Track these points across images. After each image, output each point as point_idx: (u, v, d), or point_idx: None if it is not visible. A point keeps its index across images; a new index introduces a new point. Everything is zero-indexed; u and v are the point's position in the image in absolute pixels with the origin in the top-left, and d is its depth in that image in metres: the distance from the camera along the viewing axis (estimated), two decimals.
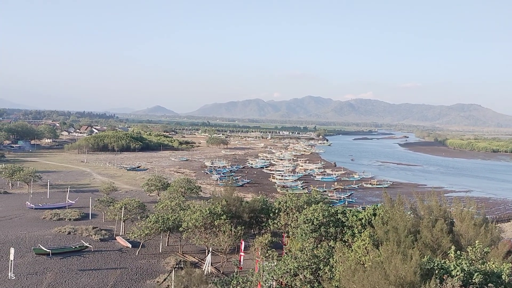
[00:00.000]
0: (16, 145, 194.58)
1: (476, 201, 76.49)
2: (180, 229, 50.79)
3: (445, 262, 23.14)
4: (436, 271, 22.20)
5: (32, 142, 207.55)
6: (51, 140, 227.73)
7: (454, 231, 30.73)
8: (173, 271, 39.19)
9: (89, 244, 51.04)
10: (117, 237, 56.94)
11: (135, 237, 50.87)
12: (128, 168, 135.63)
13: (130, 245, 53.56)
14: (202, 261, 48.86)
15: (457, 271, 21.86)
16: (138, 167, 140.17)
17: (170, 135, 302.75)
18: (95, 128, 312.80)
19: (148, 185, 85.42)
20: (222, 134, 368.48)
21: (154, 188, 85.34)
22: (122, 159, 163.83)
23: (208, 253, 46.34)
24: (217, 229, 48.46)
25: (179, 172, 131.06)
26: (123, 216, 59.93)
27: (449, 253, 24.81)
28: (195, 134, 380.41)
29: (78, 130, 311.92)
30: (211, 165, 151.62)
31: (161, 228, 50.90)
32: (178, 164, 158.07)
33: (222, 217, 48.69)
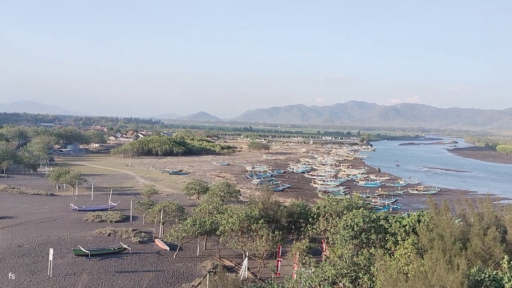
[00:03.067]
0: (65, 149, 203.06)
1: None
2: (217, 232, 50.29)
3: (497, 273, 20.93)
4: (488, 283, 20.09)
5: (81, 146, 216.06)
6: (98, 144, 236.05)
7: (508, 240, 28.12)
8: (208, 275, 38.57)
9: (128, 246, 51.45)
10: (155, 240, 57.19)
11: (172, 239, 50.86)
12: (170, 172, 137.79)
13: (168, 248, 53.57)
14: (239, 265, 48.01)
15: (511, 284, 19.68)
16: (180, 171, 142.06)
17: (212, 140, 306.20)
18: (140, 133, 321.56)
19: (188, 189, 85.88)
20: (264, 139, 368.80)
21: (193, 191, 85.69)
22: (165, 163, 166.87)
23: (244, 258, 45.45)
24: (254, 234, 47.49)
25: (220, 176, 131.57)
26: (162, 219, 60.29)
27: (501, 263, 22.53)
28: (237, 139, 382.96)
29: (124, 135, 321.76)
30: (252, 170, 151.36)
31: (198, 231, 50.57)
32: (219, 168, 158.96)
33: (259, 221, 47.74)
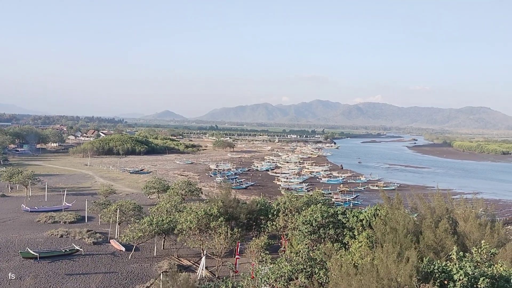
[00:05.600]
0: (21, 149, 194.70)
1: (486, 202, 73.76)
2: (175, 231, 49.06)
3: (446, 264, 20.91)
4: (437, 275, 19.99)
5: (38, 146, 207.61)
6: (57, 144, 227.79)
7: (458, 232, 28.46)
8: (161, 275, 37.31)
9: (81, 248, 49.38)
10: (111, 241, 55.28)
11: (128, 240, 49.21)
12: (131, 171, 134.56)
13: (123, 249, 51.86)
14: (197, 264, 46.94)
15: (460, 275, 19.64)
16: (141, 170, 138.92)
17: (176, 139, 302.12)
18: (102, 132, 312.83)
19: (148, 188, 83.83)
20: (230, 138, 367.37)
21: (153, 190, 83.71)
22: (126, 162, 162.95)
23: (202, 257, 44.42)
24: (213, 231, 46.59)
25: (183, 175, 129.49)
26: (118, 219, 58.38)
27: (450, 255, 22.61)
28: (202, 138, 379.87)
29: (85, 134, 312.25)
30: (216, 168, 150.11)
31: (155, 230, 49.17)
32: (182, 167, 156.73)
33: (218, 219, 46.85)
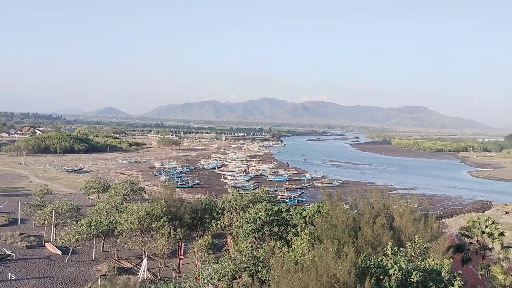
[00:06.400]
0: None
1: (421, 197, 77.55)
2: (115, 233, 47.27)
3: (382, 260, 21.51)
4: (373, 270, 20.51)
5: None
6: None
7: (394, 227, 29.53)
8: (99, 279, 35.77)
9: (12, 252, 46.33)
10: (46, 244, 52.43)
11: (64, 243, 46.79)
12: (69, 170, 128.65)
13: (60, 252, 49.34)
14: (138, 266, 45.54)
15: (395, 269, 20.28)
16: (80, 169, 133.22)
17: (119, 137, 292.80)
18: (38, 130, 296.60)
19: (87, 188, 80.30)
20: (176, 136, 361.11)
21: (93, 190, 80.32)
22: (64, 161, 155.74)
23: (144, 258, 43.12)
24: (155, 232, 45.36)
25: (125, 174, 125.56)
26: (54, 221, 55.54)
27: (386, 250, 23.34)
28: (146, 136, 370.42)
29: (19, 132, 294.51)
30: (161, 166, 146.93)
31: (94, 232, 47.11)
32: (125, 165, 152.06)
33: (160, 219, 45.64)
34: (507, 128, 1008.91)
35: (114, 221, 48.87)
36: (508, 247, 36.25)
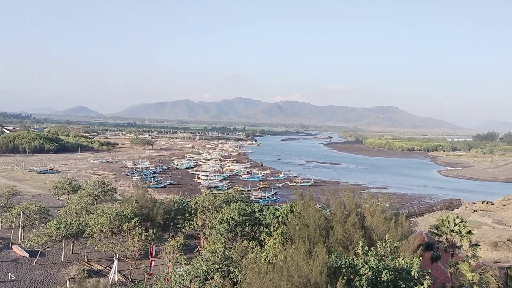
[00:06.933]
0: None
1: (392, 196, 79.00)
2: (85, 234, 46.17)
3: (353, 259, 21.70)
4: (344, 270, 20.67)
5: None
6: None
7: (366, 226, 29.90)
8: (67, 282, 34.86)
9: None
10: (13, 246, 50.88)
11: (32, 245, 45.41)
12: (38, 170, 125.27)
13: (27, 255, 47.93)
14: (109, 268, 44.63)
15: (365, 269, 20.49)
16: (50, 169, 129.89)
17: (91, 136, 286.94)
18: (6, 129, 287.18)
19: (56, 188, 78.30)
20: (149, 135, 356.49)
21: (63, 191, 78.36)
22: (33, 161, 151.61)
23: (115, 260, 42.27)
24: (126, 233, 44.55)
25: (96, 174, 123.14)
26: (22, 222, 53.92)
27: (357, 250, 23.58)
28: (119, 135, 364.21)
29: None
30: (133, 167, 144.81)
31: (63, 234, 45.92)
32: (96, 166, 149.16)
33: (131, 220, 44.86)
34: (476, 128, 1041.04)
35: (84, 223, 47.80)
36: (476, 245, 37.21)
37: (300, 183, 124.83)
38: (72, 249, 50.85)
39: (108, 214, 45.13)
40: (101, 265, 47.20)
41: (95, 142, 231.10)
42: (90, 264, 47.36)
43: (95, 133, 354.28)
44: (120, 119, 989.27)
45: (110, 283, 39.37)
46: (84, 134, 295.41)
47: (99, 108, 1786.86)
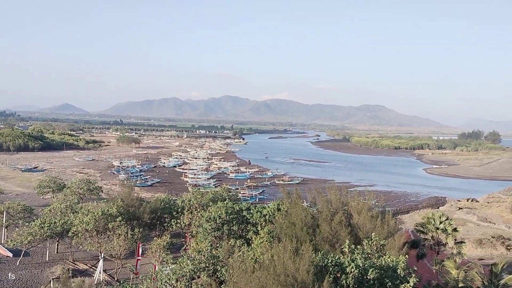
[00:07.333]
0: None
1: (379, 194, 79.63)
2: (70, 234, 45.52)
3: (339, 258, 21.71)
4: (331, 268, 20.66)
5: None
6: None
7: (352, 224, 30.00)
8: (51, 282, 34.33)
9: None
10: None
11: (15, 245, 44.65)
12: (23, 169, 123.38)
13: (11, 254, 47.10)
14: (95, 268, 44.11)
15: (352, 267, 20.50)
16: (35, 167, 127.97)
17: (76, 134, 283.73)
18: None
19: (41, 187, 77.16)
20: (135, 133, 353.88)
21: (48, 190, 77.25)
22: (18, 159, 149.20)
23: (100, 259, 41.76)
24: (112, 233, 44.03)
25: (82, 173, 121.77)
26: (6, 222, 53.01)
27: (343, 248, 23.61)
28: (105, 133, 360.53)
29: None
30: (119, 165, 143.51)
31: (47, 233, 45.22)
32: (82, 164, 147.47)
33: (117, 219, 44.35)
34: (461, 126, 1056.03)
35: (69, 222, 47.15)
36: (461, 242, 37.67)
37: (288, 181, 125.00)
38: (57, 248, 50.15)
39: (94, 213, 44.56)
40: (86, 265, 46.65)
41: (80, 140, 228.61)
42: (75, 264, 46.75)
43: (81, 131, 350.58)
44: (107, 117, 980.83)
45: (95, 282, 38.88)
46: (69, 132, 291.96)
47: (85, 106, 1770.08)
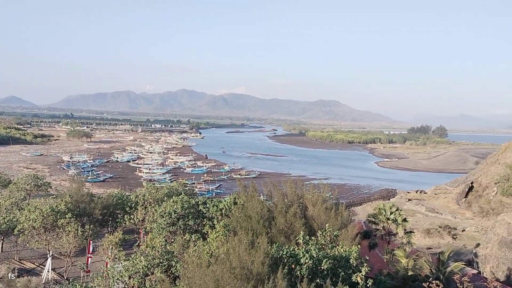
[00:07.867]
0: None
1: (333, 187, 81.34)
2: (15, 231, 43.24)
3: (294, 249, 21.84)
4: (285, 260, 20.73)
5: None
6: None
7: (307, 215, 30.32)
8: None
9: None
10: None
11: None
12: None
13: None
14: (42, 266, 42.23)
15: (306, 258, 20.66)
16: None
17: (23, 128, 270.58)
18: None
19: None
20: (87, 127, 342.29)
21: None
22: None
23: (48, 258, 40.01)
24: (61, 230, 42.22)
25: (30, 168, 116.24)
26: None
27: (298, 239, 23.80)
28: (55, 127, 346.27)
29: None
30: (70, 160, 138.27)
31: None
32: (30, 159, 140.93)
33: (66, 216, 42.58)
34: (411, 122, 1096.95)
35: (14, 219, 44.79)
36: (410, 232, 38.99)
37: (245, 175, 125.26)
38: (2, 247, 47.60)
39: (41, 209, 42.54)
40: (33, 263, 44.57)
41: (28, 134, 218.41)
42: (21, 263, 44.56)
43: (29, 125, 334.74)
44: (56, 110, 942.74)
45: (43, 281, 37.26)
46: (16, 126, 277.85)
47: (33, 99, 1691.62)
